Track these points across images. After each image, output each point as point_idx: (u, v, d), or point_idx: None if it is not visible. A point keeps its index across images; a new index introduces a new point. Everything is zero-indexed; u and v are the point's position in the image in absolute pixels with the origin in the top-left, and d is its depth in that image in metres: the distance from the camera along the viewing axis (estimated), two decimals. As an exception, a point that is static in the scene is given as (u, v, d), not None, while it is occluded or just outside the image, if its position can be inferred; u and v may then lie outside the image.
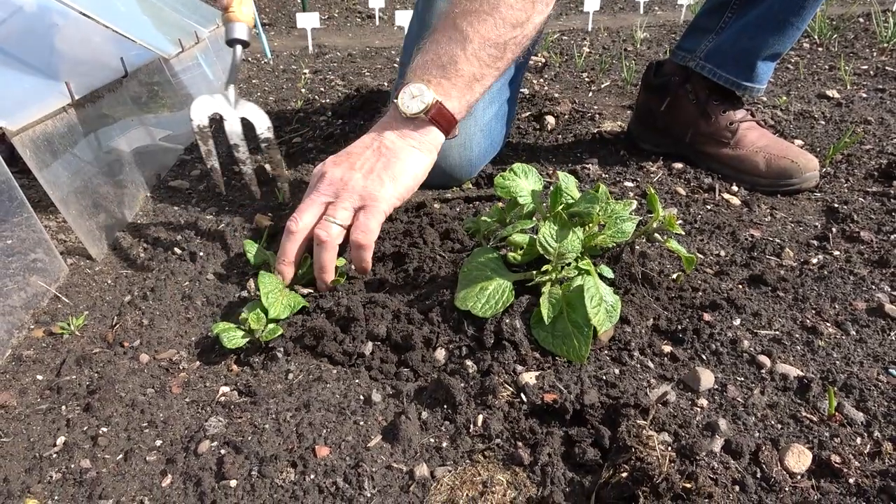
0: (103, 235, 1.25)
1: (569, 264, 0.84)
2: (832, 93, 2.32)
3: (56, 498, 0.66)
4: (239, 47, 1.21)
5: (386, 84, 2.71)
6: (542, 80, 2.81)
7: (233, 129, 1.24)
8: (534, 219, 0.89)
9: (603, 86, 2.61)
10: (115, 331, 0.95)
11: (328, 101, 2.53)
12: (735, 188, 1.46)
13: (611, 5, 6.64)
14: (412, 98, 0.97)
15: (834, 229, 1.24)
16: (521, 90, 2.44)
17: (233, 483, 0.65)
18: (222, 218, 1.36)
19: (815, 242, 1.20)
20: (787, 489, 0.64)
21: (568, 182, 0.91)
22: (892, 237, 1.19)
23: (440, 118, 0.99)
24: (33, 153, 1.14)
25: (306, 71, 3.38)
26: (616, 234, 0.87)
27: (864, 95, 2.30)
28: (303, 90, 2.83)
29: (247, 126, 1.26)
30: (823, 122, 1.96)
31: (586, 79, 2.79)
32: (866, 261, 1.12)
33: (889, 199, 1.37)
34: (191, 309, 1.01)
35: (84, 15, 2.08)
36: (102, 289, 1.08)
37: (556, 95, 2.35)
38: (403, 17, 3.77)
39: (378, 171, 0.97)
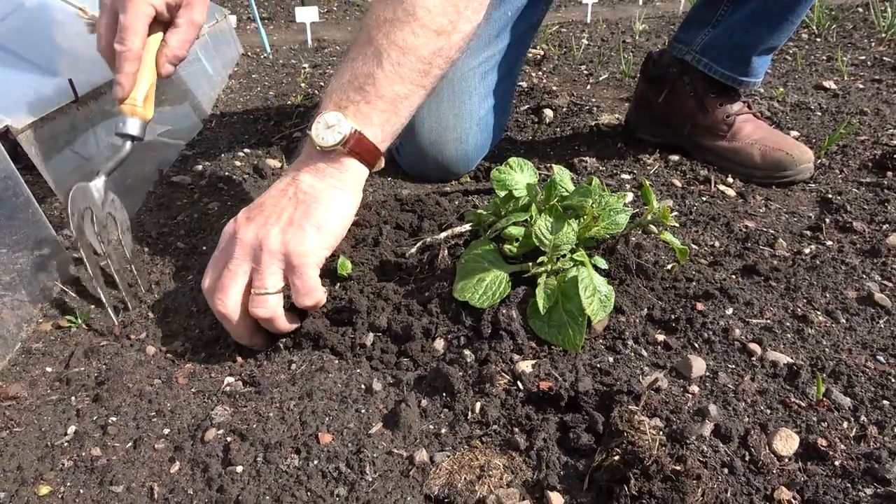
0: (108, 230, 1.27)
1: (564, 256, 0.86)
2: (829, 84, 2.33)
3: (68, 484, 0.68)
4: (129, 143, 1.07)
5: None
6: (540, 72, 2.82)
7: (98, 224, 1.05)
8: (530, 210, 0.91)
9: (601, 78, 2.62)
10: (121, 323, 0.97)
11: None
12: (731, 180, 1.48)
13: (610, -3, 6.63)
14: (327, 128, 0.84)
15: (827, 220, 1.26)
16: (520, 83, 2.46)
17: (239, 469, 0.68)
18: (225, 213, 1.38)
19: (809, 233, 1.22)
20: (774, 471, 0.66)
21: (563, 175, 0.93)
22: (884, 227, 1.21)
23: (361, 150, 0.86)
24: (38, 150, 1.16)
25: (306, 65, 3.39)
26: (610, 225, 0.89)
27: (861, 86, 2.31)
28: (303, 84, 2.84)
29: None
30: (820, 114, 1.98)
31: (585, 71, 2.80)
32: (858, 250, 1.14)
33: (882, 190, 1.39)
34: (195, 302, 1.03)
35: (88, 13, 2.09)
36: (108, 282, 1.10)
37: (555, 88, 2.36)
38: (402, 11, 3.77)
39: (298, 222, 0.83)
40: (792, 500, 0.63)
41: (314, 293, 0.85)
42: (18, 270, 1.07)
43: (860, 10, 4.40)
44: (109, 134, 1.50)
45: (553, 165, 1.00)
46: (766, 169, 1.44)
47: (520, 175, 0.94)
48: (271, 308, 0.83)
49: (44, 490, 0.67)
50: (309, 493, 0.65)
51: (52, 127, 1.23)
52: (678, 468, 0.59)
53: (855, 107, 2.02)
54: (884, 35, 3.25)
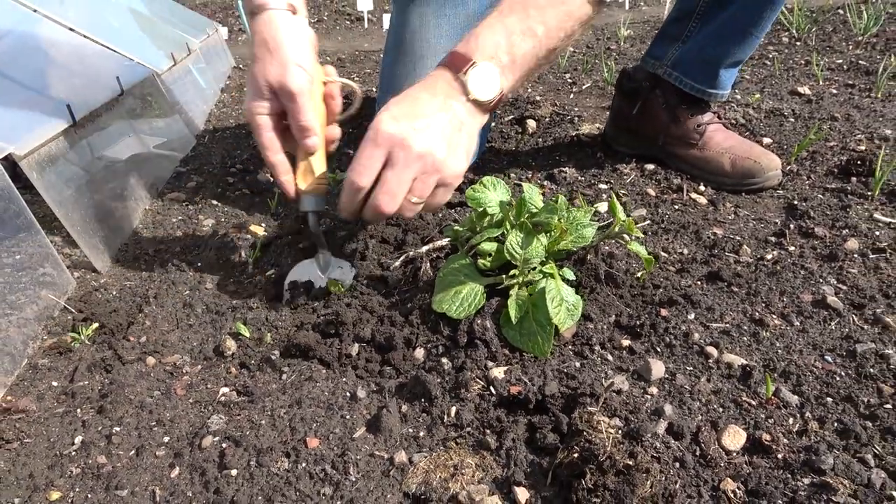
0: (107, 249, 1.33)
1: (534, 268, 0.92)
2: (804, 89, 2.40)
3: (77, 490, 0.74)
4: (313, 216, 1.10)
5: (374, 90, 2.77)
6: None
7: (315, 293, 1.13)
8: (503, 226, 0.97)
9: (584, 87, 2.69)
10: (122, 339, 1.03)
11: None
12: (702, 188, 1.54)
13: (597, 1, 6.69)
14: (483, 82, 0.96)
15: (791, 226, 1.32)
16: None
17: (234, 472, 0.74)
18: (218, 229, 1.44)
19: (773, 239, 1.28)
20: (722, 465, 0.73)
21: (532, 193, 1.00)
22: (844, 232, 1.28)
23: (495, 105, 0.99)
24: (39, 175, 1.22)
25: (297, 77, 3.43)
26: (577, 239, 0.95)
27: (835, 91, 2.38)
28: (294, 98, 2.88)
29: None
30: (793, 120, 2.05)
31: (569, 80, 2.87)
32: (818, 255, 1.20)
33: (846, 195, 1.46)
34: (191, 316, 1.10)
35: (79, 34, 2.15)
36: (108, 300, 1.16)
37: (539, 98, 2.43)
38: (391, 21, 3.84)
39: (460, 146, 0.96)
40: (736, 490, 0.69)
41: (438, 208, 1.02)
42: (22, 289, 1.13)
43: (840, 11, 4.46)
44: (107, 153, 1.56)
45: (524, 184, 1.07)
46: (735, 177, 1.51)
47: (493, 193, 1.00)
48: (415, 213, 0.97)
49: (55, 495, 0.73)
50: (298, 493, 0.71)
51: (52, 152, 1.29)
52: (630, 463, 0.66)
53: (827, 112, 2.09)
54: (860, 38, 3.32)
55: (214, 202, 1.60)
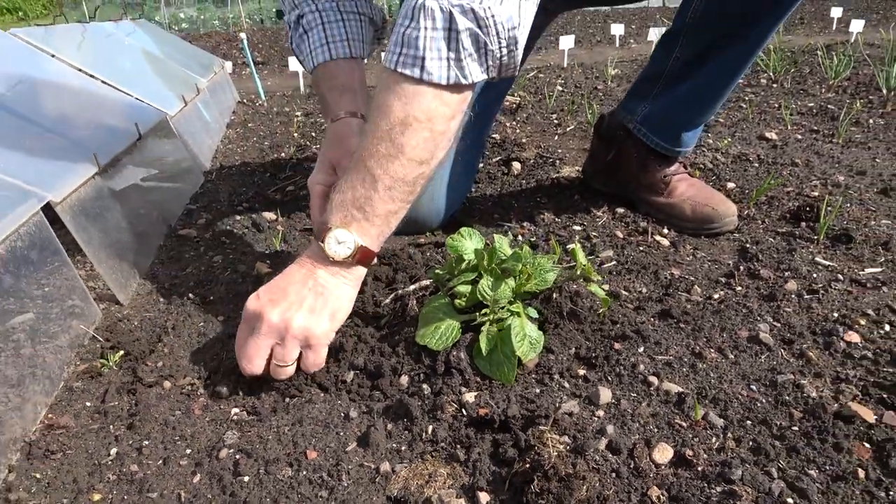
0: (128, 282, 1.49)
1: (503, 308, 1.08)
2: (771, 134, 2.58)
3: (115, 493, 0.89)
4: None
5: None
6: (514, 122, 3.07)
7: None
8: (477, 271, 1.13)
9: (568, 129, 2.87)
10: (145, 364, 1.18)
11: (318, 146, 2.78)
12: (666, 231, 1.71)
13: (589, 38, 6.95)
14: (338, 244, 1.06)
15: (741, 267, 1.48)
16: (494, 135, 2.70)
17: (246, 478, 0.89)
18: (227, 265, 1.59)
19: (723, 279, 1.44)
20: (651, 475, 0.88)
21: (502, 243, 1.16)
22: (786, 274, 1.44)
23: (363, 258, 1.08)
24: (72, 218, 1.37)
25: (298, 113, 3.61)
26: (540, 282, 1.11)
27: (800, 137, 2.56)
28: (295, 135, 3.06)
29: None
30: (757, 165, 2.22)
31: (555, 121, 3.05)
32: (760, 295, 1.36)
33: (794, 239, 1.62)
34: (204, 346, 1.25)
35: (97, 79, 2.33)
36: (131, 329, 1.31)
37: (524, 140, 2.60)
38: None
39: (318, 311, 1.06)
40: (661, 496, 0.84)
41: (321, 363, 1.09)
42: (54, 320, 1.28)
43: (819, 52, 4.64)
44: (126, 194, 1.72)
45: (495, 235, 1.23)
46: (695, 222, 1.68)
47: (469, 242, 1.16)
48: (289, 373, 1.07)
49: (96, 497, 0.88)
50: (300, 496, 0.86)
51: (81, 196, 1.45)
52: (570, 472, 0.81)
53: (789, 158, 2.27)
54: (832, 82, 3.51)
55: (224, 239, 1.76)
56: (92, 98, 2.25)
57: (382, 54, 1.06)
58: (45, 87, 2.13)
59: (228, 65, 4.86)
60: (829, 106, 3.05)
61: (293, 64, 4.07)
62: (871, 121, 2.73)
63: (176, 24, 13.05)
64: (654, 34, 5.04)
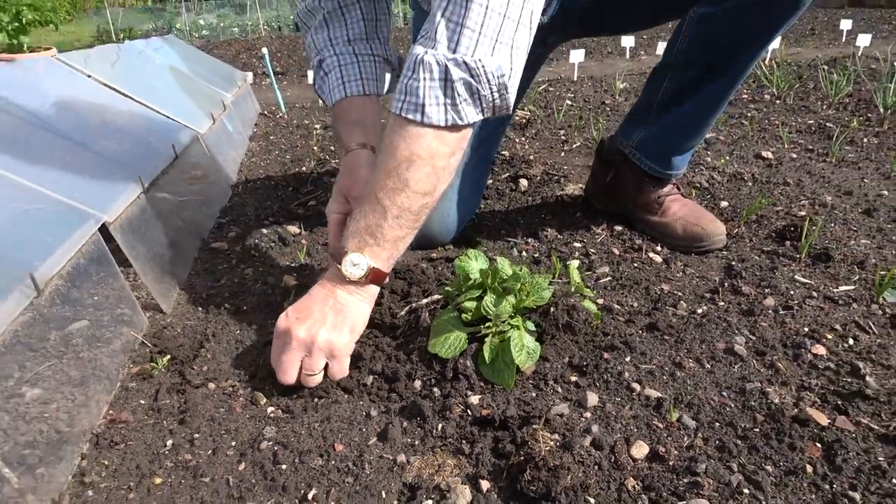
0: (169, 293, 1.65)
1: (504, 321, 1.23)
2: (767, 153, 2.71)
3: (173, 477, 1.05)
4: None
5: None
6: (523, 137, 3.21)
7: None
8: (482, 289, 1.28)
9: (574, 146, 3.01)
10: (192, 368, 1.35)
11: (337, 160, 2.93)
12: (659, 248, 1.85)
13: (600, 49, 7.07)
14: (353, 266, 1.20)
15: (726, 284, 1.62)
16: (503, 152, 2.85)
17: (284, 466, 1.05)
18: (258, 277, 1.76)
19: (708, 295, 1.59)
20: (628, 468, 1.03)
21: (503, 264, 1.31)
22: (766, 290, 1.58)
23: (375, 277, 1.23)
24: (122, 235, 1.54)
25: (317, 126, 3.77)
26: (537, 299, 1.27)
27: (794, 156, 2.68)
28: (315, 148, 3.22)
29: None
30: (750, 184, 2.35)
31: (562, 137, 3.19)
32: (740, 310, 1.50)
33: (777, 258, 1.75)
34: (241, 351, 1.41)
35: (133, 100, 2.51)
36: (175, 336, 1.48)
37: (532, 157, 2.75)
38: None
39: (339, 326, 1.21)
40: (636, 485, 0.99)
41: (344, 373, 1.24)
42: (107, 326, 1.45)
43: (825, 67, 4.74)
44: (166, 210, 1.89)
45: (497, 257, 1.38)
46: (686, 240, 1.82)
47: (475, 263, 1.32)
48: (318, 381, 1.22)
49: (157, 480, 1.05)
50: (329, 481, 1.02)
51: (128, 214, 1.62)
52: (558, 464, 0.96)
53: (782, 177, 2.40)
54: (832, 99, 3.61)
55: (253, 253, 1.93)
56: (130, 118, 2.43)
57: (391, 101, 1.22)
58: (88, 109, 2.31)
59: (249, 76, 5.04)
60: (827, 124, 3.15)
61: (311, 76, 4.24)
62: (865, 140, 2.84)
63: (196, 30, 13.32)
64: (663, 47, 5.14)
